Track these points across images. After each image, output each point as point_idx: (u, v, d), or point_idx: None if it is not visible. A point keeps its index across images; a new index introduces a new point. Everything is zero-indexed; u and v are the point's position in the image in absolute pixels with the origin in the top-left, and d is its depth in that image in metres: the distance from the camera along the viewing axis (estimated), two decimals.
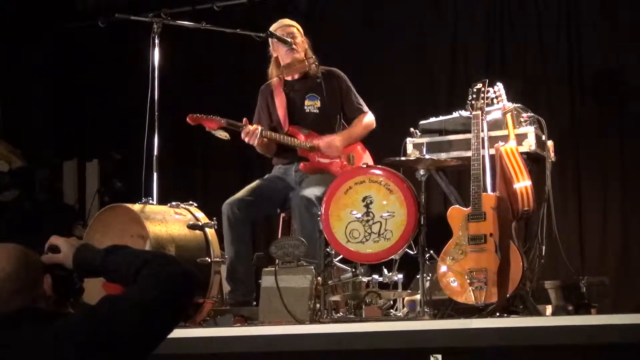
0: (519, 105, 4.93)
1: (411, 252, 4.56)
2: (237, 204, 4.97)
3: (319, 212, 4.69)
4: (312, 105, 5.20)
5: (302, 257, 4.50)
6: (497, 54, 6.40)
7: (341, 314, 4.62)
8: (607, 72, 6.14)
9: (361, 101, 5.28)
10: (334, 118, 5.23)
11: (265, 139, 5.09)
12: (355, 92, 5.27)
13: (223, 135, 5.02)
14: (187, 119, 4.99)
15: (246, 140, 5.01)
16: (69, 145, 7.50)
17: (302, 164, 5.10)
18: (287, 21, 5.26)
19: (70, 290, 2.41)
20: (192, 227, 4.63)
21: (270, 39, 5.20)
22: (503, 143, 4.64)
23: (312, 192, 4.89)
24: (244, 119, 5.03)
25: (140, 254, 2.37)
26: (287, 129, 5.15)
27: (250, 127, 4.99)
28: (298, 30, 5.23)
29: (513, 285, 4.36)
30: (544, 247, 4.73)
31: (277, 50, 5.21)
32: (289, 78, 5.26)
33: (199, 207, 4.83)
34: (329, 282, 4.57)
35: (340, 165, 5.12)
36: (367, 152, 5.24)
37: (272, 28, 5.21)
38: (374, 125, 5.29)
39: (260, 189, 5.10)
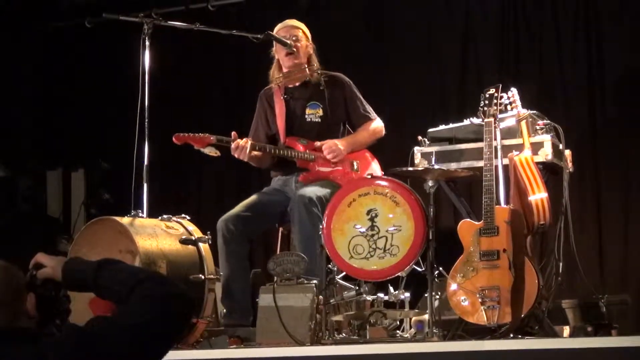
0: (535, 111, 4.95)
1: (419, 269, 4.58)
2: (233, 221, 4.98)
3: (320, 214, 4.70)
4: (313, 114, 5.21)
5: (302, 274, 4.51)
6: (511, 57, 6.42)
7: (344, 335, 4.62)
8: (629, 75, 6.14)
9: (369, 108, 5.28)
10: (336, 127, 5.24)
11: (259, 152, 5.11)
12: (362, 99, 5.27)
13: (213, 152, 5.02)
14: (173, 139, 4.99)
15: (236, 155, 5.02)
16: (53, 154, 7.52)
17: (301, 175, 5.11)
18: (292, 22, 5.25)
19: (56, 311, 2.43)
20: (184, 241, 4.64)
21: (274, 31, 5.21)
22: (517, 152, 4.66)
23: (313, 191, 4.90)
24: (233, 133, 5.01)
25: (134, 271, 2.39)
26: (284, 140, 5.17)
27: (240, 142, 5.00)
28: (304, 33, 5.22)
29: (528, 304, 4.37)
30: (561, 264, 4.74)
31: (278, 53, 5.23)
32: (289, 85, 5.28)
33: (192, 221, 4.84)
34: (331, 300, 4.58)
35: (342, 173, 5.12)
36: (376, 160, 5.24)
37: (276, 28, 5.22)
38: (383, 133, 5.29)
39: (258, 204, 5.11)
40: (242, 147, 4.99)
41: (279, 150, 5.12)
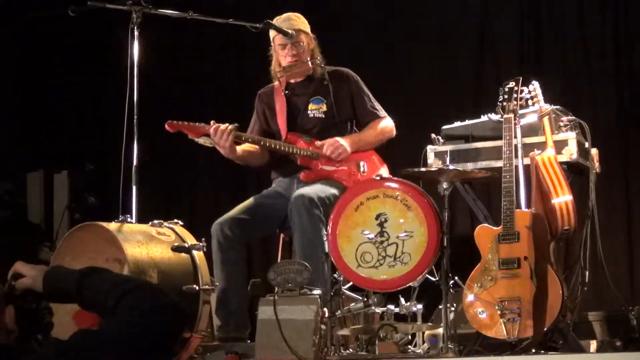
0: (558, 107, 4.95)
1: (432, 279, 4.58)
2: (229, 224, 4.99)
3: (322, 216, 4.70)
4: (317, 109, 5.21)
5: (305, 284, 4.51)
6: (532, 47, 6.43)
7: (351, 350, 4.63)
8: None
9: (377, 105, 5.29)
10: (342, 124, 5.24)
11: (251, 147, 5.10)
12: (370, 95, 5.28)
13: (208, 143, 5.02)
14: (166, 126, 5.00)
15: (215, 141, 4.95)
16: (34, 154, 7.52)
17: (302, 173, 5.12)
18: (292, 20, 5.22)
19: (36, 326, 2.43)
20: (177, 249, 4.64)
21: (270, 32, 5.19)
22: (539, 151, 4.66)
23: (314, 191, 4.90)
24: (211, 122, 4.98)
25: (120, 281, 2.39)
26: (285, 137, 5.17)
27: (221, 127, 4.95)
28: (304, 33, 5.18)
29: (551, 316, 4.37)
30: (587, 273, 4.75)
31: (277, 51, 5.21)
32: (291, 80, 5.28)
33: (186, 227, 4.85)
34: (337, 313, 4.59)
35: (347, 173, 5.12)
36: (385, 166, 5.23)
37: (274, 21, 5.21)
38: (394, 133, 5.29)
39: (257, 207, 5.11)
40: (222, 132, 4.93)
41: (276, 145, 5.11)
